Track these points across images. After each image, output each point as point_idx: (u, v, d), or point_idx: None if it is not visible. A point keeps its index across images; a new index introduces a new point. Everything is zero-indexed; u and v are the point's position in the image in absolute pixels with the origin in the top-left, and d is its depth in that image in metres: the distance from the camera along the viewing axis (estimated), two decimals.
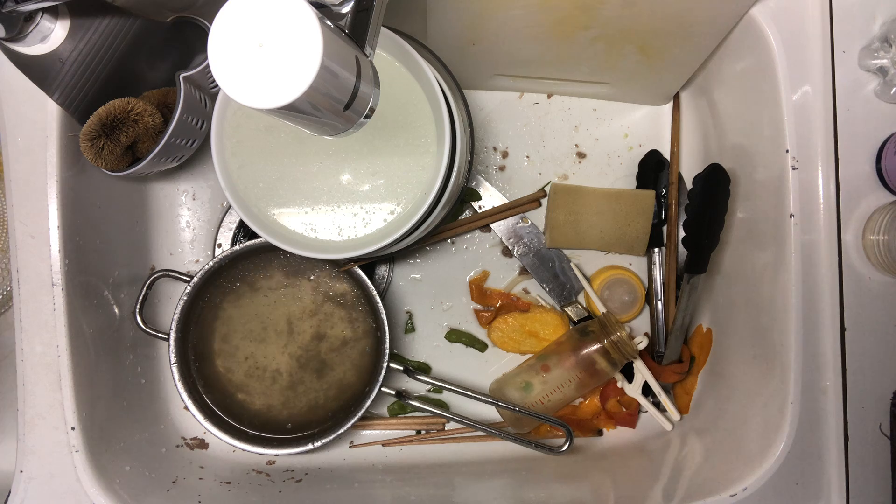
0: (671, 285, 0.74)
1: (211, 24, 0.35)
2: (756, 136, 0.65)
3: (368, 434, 0.76)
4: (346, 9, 0.40)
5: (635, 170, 0.77)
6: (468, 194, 0.76)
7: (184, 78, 0.60)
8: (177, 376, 0.66)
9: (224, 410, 0.68)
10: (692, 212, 0.70)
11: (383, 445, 0.75)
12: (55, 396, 0.60)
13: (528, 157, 0.78)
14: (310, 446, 0.66)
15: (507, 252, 0.77)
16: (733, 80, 0.68)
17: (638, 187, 0.76)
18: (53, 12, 0.57)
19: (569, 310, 0.76)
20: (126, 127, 0.59)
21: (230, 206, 0.75)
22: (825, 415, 0.60)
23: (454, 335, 0.77)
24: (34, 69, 0.58)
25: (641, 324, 0.78)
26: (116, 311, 0.68)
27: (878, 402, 0.60)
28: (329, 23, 0.37)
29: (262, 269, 0.70)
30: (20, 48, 0.58)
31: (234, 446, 0.67)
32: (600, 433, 0.76)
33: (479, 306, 0.77)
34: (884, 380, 0.61)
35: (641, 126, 0.78)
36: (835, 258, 0.60)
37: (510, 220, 0.77)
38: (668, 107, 0.77)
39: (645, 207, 0.73)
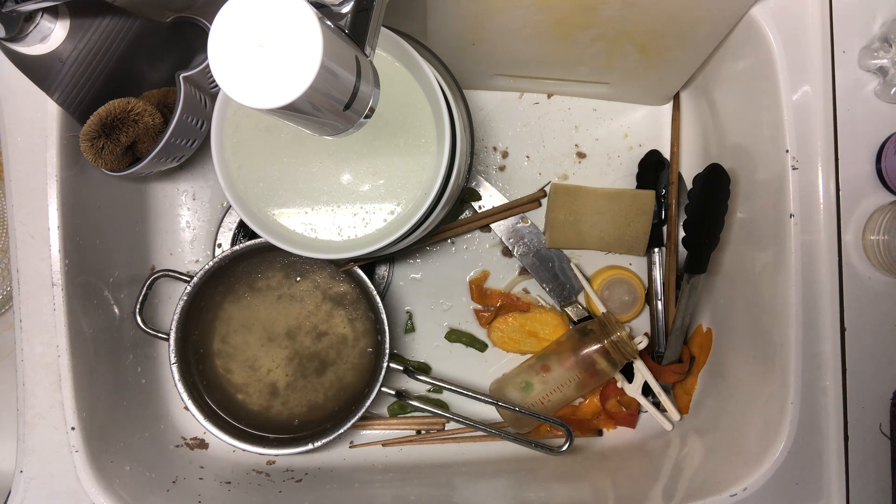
0: (671, 285, 0.74)
1: (211, 24, 0.35)
2: (756, 136, 0.65)
3: (368, 434, 0.76)
4: (346, 9, 0.40)
5: (635, 170, 0.77)
6: (468, 194, 0.76)
7: (184, 78, 0.60)
8: (177, 376, 0.66)
9: (224, 410, 0.68)
10: (692, 212, 0.70)
11: (383, 445, 0.75)
12: (55, 396, 0.60)
13: (528, 157, 0.78)
14: (310, 446, 0.66)
15: (507, 252, 0.77)
16: (733, 80, 0.68)
17: (638, 187, 0.76)
18: (53, 12, 0.57)
19: (569, 310, 0.76)
20: (126, 127, 0.59)
21: (230, 206, 0.75)
22: (825, 415, 0.60)
23: (454, 335, 0.77)
24: (34, 69, 0.58)
25: (641, 324, 0.78)
26: (116, 311, 0.68)
27: (878, 402, 0.60)
28: (329, 23, 0.37)
29: (262, 269, 0.70)
30: (20, 48, 0.58)
31: (234, 446, 0.67)
32: (600, 433, 0.76)
33: (479, 306, 0.77)
34: (884, 380, 0.61)
35: (641, 126, 0.78)
36: (835, 258, 0.60)
37: (510, 220, 0.77)
38: (668, 107, 0.77)
39: (645, 207, 0.73)
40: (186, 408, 0.67)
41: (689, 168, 0.77)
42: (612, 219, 0.74)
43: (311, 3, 0.34)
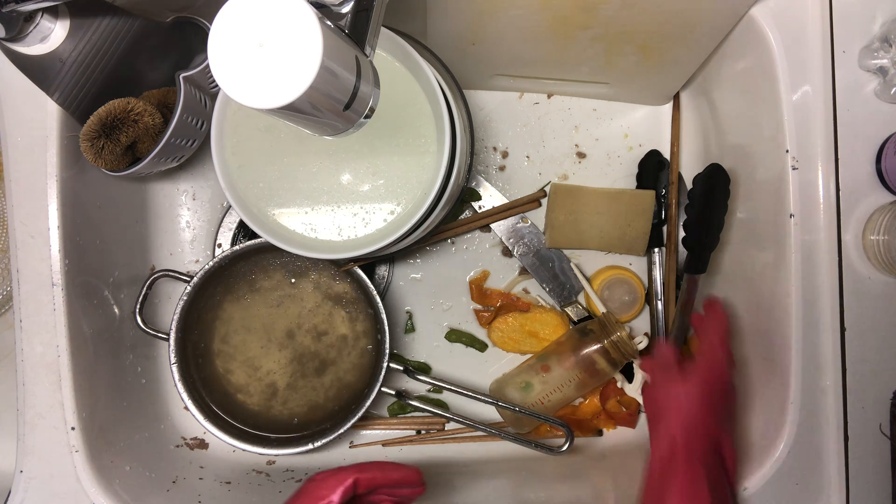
0: (671, 285, 0.74)
1: (211, 24, 0.35)
2: (756, 136, 0.65)
3: (368, 434, 0.76)
4: (346, 9, 0.40)
5: (635, 170, 0.77)
6: (468, 194, 0.76)
7: (184, 78, 0.60)
8: (177, 376, 0.66)
9: (224, 410, 0.68)
10: (692, 212, 0.70)
11: (383, 445, 0.75)
12: (55, 396, 0.60)
13: (528, 157, 0.78)
14: (310, 446, 0.66)
15: (507, 252, 0.77)
16: (733, 80, 0.68)
17: (638, 187, 0.76)
18: (53, 12, 0.57)
19: (569, 310, 0.76)
20: (126, 127, 0.59)
21: (230, 206, 0.75)
22: (825, 415, 0.60)
23: (454, 335, 0.77)
24: (34, 69, 0.58)
25: (641, 324, 0.78)
26: (116, 311, 0.68)
27: (878, 402, 0.60)
28: (329, 23, 0.37)
29: (262, 269, 0.70)
30: (20, 48, 0.58)
31: (234, 446, 0.67)
32: (600, 433, 0.76)
33: (479, 306, 0.77)
34: (884, 380, 0.61)
35: (641, 126, 0.78)
36: (835, 258, 0.60)
37: (510, 220, 0.77)
38: (668, 107, 0.77)
39: (644, 207, 0.73)
40: (186, 408, 0.67)
41: (689, 168, 0.77)
42: (612, 219, 0.74)
43: (311, 3, 0.34)
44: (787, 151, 0.60)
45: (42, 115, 0.59)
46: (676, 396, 0.56)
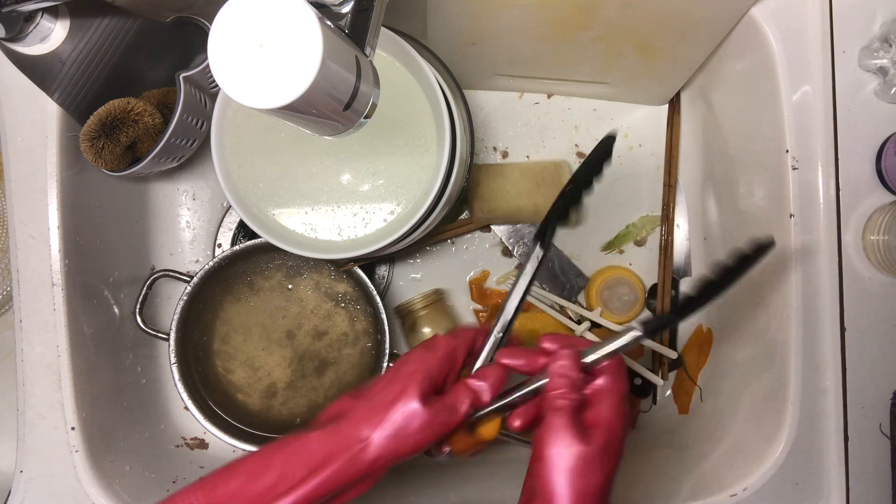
0: (667, 287, 0.75)
1: (211, 24, 0.35)
2: (756, 136, 0.65)
3: None
4: (346, 9, 0.41)
5: (636, 169, 0.76)
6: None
7: (184, 78, 0.60)
8: (177, 376, 0.66)
9: (224, 410, 0.68)
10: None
11: None
12: (55, 396, 0.60)
13: (528, 157, 0.78)
14: None
15: (507, 252, 0.77)
16: (733, 80, 0.68)
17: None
18: (53, 12, 0.57)
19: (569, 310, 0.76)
20: (126, 127, 0.59)
21: (230, 206, 0.75)
22: (825, 415, 0.60)
23: None
24: (34, 69, 0.58)
25: None
26: (116, 311, 0.68)
27: (878, 402, 0.60)
28: (329, 23, 0.37)
29: (262, 269, 0.70)
30: (20, 48, 0.58)
31: (234, 446, 0.67)
32: None
33: (479, 306, 0.77)
34: (884, 380, 0.61)
35: (641, 126, 0.78)
36: (835, 258, 0.60)
37: None
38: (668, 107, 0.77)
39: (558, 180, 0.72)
40: (186, 408, 0.67)
41: (689, 170, 0.77)
42: (525, 191, 0.73)
43: (311, 3, 0.34)
44: (787, 151, 0.60)
45: (42, 115, 0.59)
46: (577, 459, 0.44)
